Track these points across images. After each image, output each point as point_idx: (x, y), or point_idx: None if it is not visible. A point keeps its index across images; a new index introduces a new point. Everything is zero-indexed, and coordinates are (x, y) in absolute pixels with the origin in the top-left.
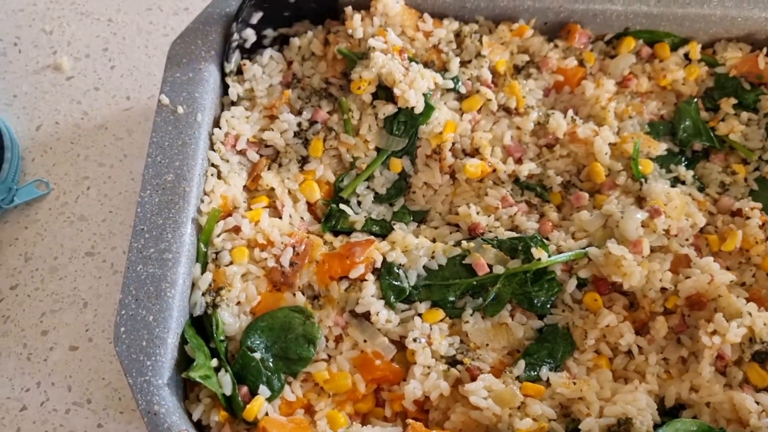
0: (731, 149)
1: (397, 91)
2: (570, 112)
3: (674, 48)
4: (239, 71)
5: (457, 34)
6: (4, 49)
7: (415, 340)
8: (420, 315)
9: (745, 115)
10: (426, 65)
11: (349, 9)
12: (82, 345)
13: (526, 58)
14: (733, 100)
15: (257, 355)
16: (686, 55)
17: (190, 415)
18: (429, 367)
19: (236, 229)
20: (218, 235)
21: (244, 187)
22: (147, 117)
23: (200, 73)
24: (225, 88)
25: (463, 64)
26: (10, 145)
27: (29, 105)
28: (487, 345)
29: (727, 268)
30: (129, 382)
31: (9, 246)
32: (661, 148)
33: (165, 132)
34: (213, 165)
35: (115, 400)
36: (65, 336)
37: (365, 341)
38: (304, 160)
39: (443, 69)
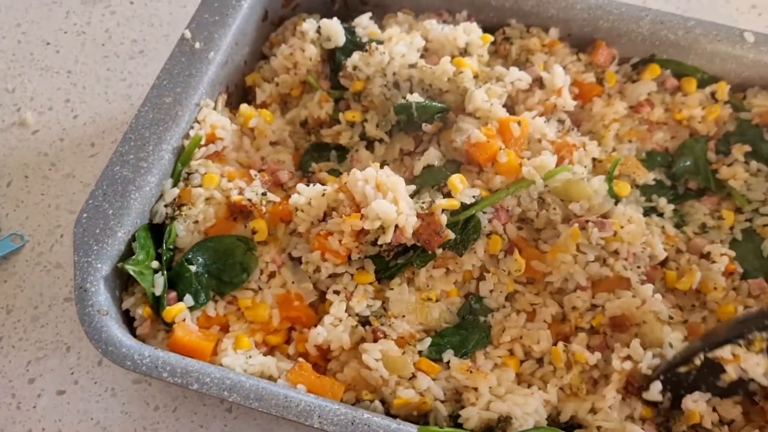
0: (728, 195)
1: None
2: (567, 122)
3: (703, 85)
4: None
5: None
6: None
7: (336, 292)
8: (351, 274)
9: (755, 165)
10: None
11: None
12: (68, 388)
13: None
14: (747, 148)
15: (193, 268)
16: (713, 95)
17: (121, 303)
18: (339, 320)
19: (216, 156)
20: (197, 159)
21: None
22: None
23: (225, 18)
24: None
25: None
26: None
27: None
28: (404, 317)
29: (678, 307)
30: (74, 259)
31: None
32: (648, 177)
33: (178, 61)
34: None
35: None
36: (52, 381)
37: (293, 283)
38: None
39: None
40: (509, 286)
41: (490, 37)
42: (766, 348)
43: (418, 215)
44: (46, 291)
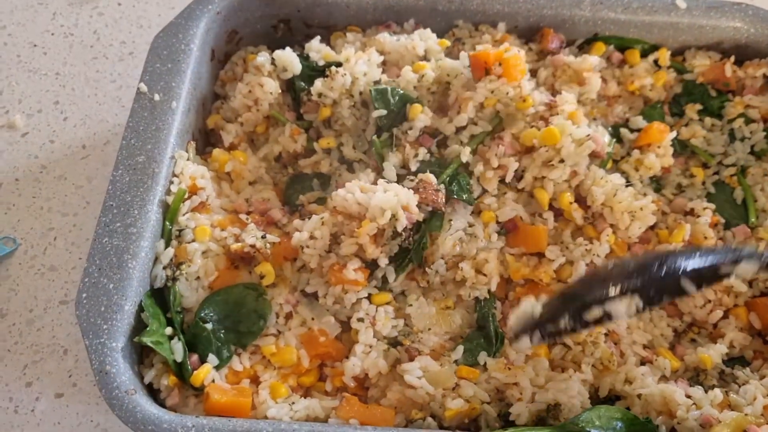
0: (693, 153)
1: None
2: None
3: (645, 54)
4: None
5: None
6: None
7: (359, 320)
8: (368, 297)
9: (708, 120)
10: None
11: None
12: (67, 391)
13: None
14: (699, 107)
15: (209, 326)
16: (656, 62)
17: (142, 378)
18: (370, 346)
19: (201, 207)
20: (184, 214)
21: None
22: (105, 163)
23: (178, 65)
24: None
25: None
26: None
27: None
28: (429, 329)
29: None
30: (85, 343)
31: None
32: (622, 151)
33: (141, 117)
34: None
35: None
36: (49, 385)
37: (312, 319)
38: None
39: None
40: (512, 269)
41: (448, 42)
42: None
43: (413, 189)
44: (41, 294)
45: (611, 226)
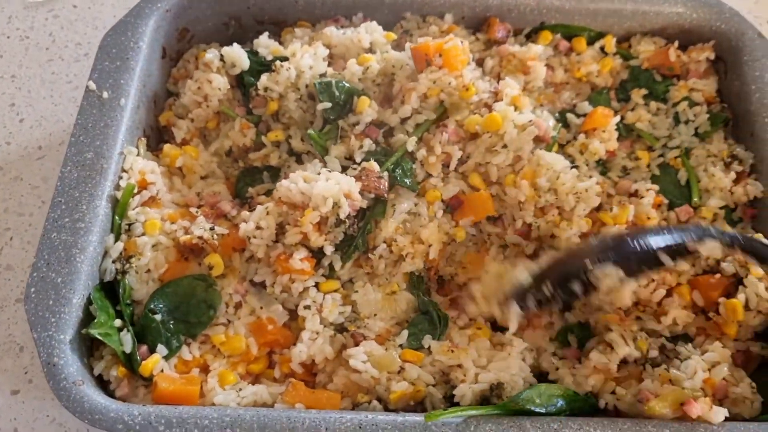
0: (638, 137)
1: None
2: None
3: (591, 42)
4: None
5: None
6: None
7: (306, 307)
8: (316, 285)
9: (654, 105)
10: None
11: None
12: (23, 387)
13: None
14: (644, 91)
15: (158, 317)
16: (602, 49)
17: (92, 370)
18: (317, 333)
19: (151, 201)
20: (133, 209)
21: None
22: (60, 163)
23: (127, 63)
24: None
25: None
26: None
27: None
28: (375, 315)
29: None
30: (34, 336)
31: None
32: (567, 135)
33: (89, 114)
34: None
35: None
36: (5, 382)
37: (261, 308)
38: None
39: None
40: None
41: (394, 36)
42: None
43: (356, 177)
44: None
45: (557, 208)
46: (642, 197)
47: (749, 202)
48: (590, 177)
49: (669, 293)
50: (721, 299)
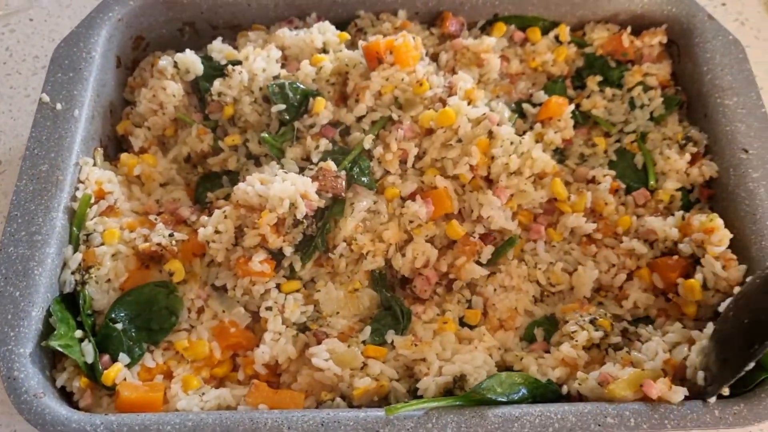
0: (595, 124)
1: None
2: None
3: (546, 31)
4: None
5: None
6: None
7: (268, 308)
8: (278, 286)
9: (609, 91)
10: None
11: None
12: None
13: None
14: (599, 78)
15: (119, 326)
16: (557, 38)
17: (54, 382)
18: (279, 334)
19: (109, 211)
20: (91, 219)
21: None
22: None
23: (80, 73)
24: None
25: None
26: None
27: None
28: (338, 313)
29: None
30: None
31: None
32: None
33: (44, 127)
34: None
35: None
36: None
37: (223, 311)
38: None
39: None
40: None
41: (347, 35)
42: None
43: (312, 178)
44: None
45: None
46: (599, 183)
47: (705, 183)
48: None
49: (630, 277)
50: (680, 280)
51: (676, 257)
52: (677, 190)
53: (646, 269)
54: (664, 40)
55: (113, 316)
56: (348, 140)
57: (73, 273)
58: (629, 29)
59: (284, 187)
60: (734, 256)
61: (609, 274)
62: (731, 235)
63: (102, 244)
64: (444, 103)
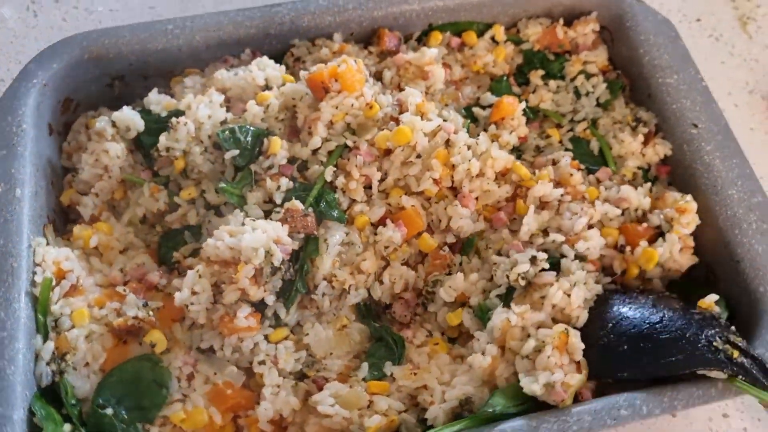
0: (545, 117)
1: None
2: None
3: (481, 34)
4: None
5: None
6: None
7: (261, 363)
8: (265, 337)
9: (553, 83)
10: None
11: None
12: None
13: None
14: (541, 72)
15: (109, 411)
16: (493, 38)
17: None
18: (278, 386)
19: (73, 290)
20: (56, 302)
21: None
22: None
23: (14, 149)
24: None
25: None
26: None
27: None
28: (331, 354)
29: None
30: None
31: None
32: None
33: None
34: None
35: None
36: None
37: (215, 374)
38: None
39: None
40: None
41: (290, 77)
42: None
43: (281, 221)
44: None
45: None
46: (557, 162)
47: (661, 161)
48: None
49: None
50: (643, 242)
51: (645, 225)
52: (638, 168)
53: (615, 230)
54: (597, 27)
55: (100, 401)
56: (307, 175)
57: (48, 364)
58: (561, 21)
59: (256, 237)
60: (692, 244)
61: (571, 220)
62: (699, 222)
63: (72, 327)
64: (397, 121)
